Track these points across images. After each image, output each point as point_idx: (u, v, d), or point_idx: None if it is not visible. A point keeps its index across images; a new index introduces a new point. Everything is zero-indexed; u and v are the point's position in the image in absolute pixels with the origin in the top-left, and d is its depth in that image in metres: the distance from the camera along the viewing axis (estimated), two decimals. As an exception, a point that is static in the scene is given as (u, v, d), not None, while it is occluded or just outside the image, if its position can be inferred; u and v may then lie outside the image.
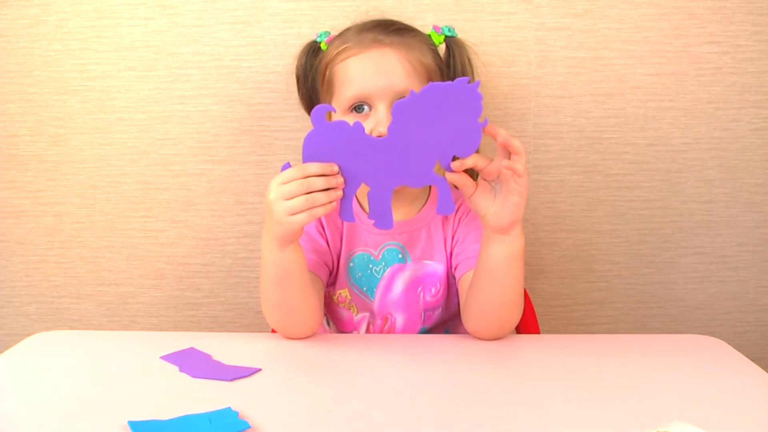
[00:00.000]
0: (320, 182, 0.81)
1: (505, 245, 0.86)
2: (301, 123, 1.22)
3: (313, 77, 1.05)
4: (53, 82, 1.24)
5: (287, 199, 0.81)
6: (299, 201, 0.81)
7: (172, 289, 1.32)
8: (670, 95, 1.24)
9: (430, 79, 0.96)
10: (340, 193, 0.82)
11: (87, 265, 1.31)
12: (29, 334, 0.96)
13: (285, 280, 0.89)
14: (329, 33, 1.04)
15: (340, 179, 0.82)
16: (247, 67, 1.23)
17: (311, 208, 0.81)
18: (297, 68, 1.07)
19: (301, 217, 0.81)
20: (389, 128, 0.82)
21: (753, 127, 1.25)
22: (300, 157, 0.83)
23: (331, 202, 0.82)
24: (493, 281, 0.88)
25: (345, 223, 1.01)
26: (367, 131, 0.86)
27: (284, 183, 0.82)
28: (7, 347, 0.92)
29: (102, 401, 0.74)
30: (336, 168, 0.82)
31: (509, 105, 1.23)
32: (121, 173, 1.27)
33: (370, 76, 0.93)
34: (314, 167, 0.81)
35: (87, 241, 1.30)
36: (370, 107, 0.94)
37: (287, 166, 0.83)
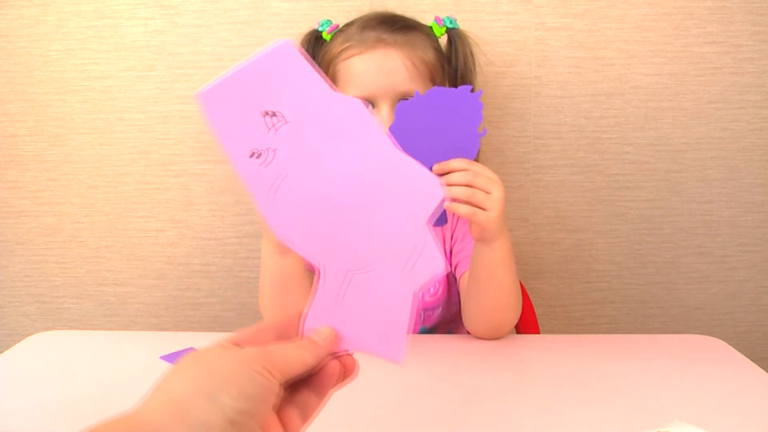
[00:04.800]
0: None
1: (486, 251, 0.86)
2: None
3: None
4: (53, 82, 1.24)
5: None
6: None
7: (172, 289, 1.32)
8: (670, 95, 1.24)
9: (432, 77, 0.95)
10: None
11: (87, 265, 1.31)
12: (29, 334, 0.96)
13: (285, 284, 0.89)
14: (331, 22, 1.03)
15: None
16: (247, 67, 1.22)
17: None
18: None
19: None
20: (390, 128, 0.82)
21: (753, 127, 1.25)
22: None
23: None
24: (483, 285, 0.89)
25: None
26: None
27: None
28: (7, 347, 0.92)
29: (102, 401, 0.74)
30: None
31: (509, 105, 1.23)
32: (121, 173, 1.27)
33: (374, 76, 0.93)
34: None
35: (87, 241, 1.30)
36: (374, 106, 0.94)
37: None
